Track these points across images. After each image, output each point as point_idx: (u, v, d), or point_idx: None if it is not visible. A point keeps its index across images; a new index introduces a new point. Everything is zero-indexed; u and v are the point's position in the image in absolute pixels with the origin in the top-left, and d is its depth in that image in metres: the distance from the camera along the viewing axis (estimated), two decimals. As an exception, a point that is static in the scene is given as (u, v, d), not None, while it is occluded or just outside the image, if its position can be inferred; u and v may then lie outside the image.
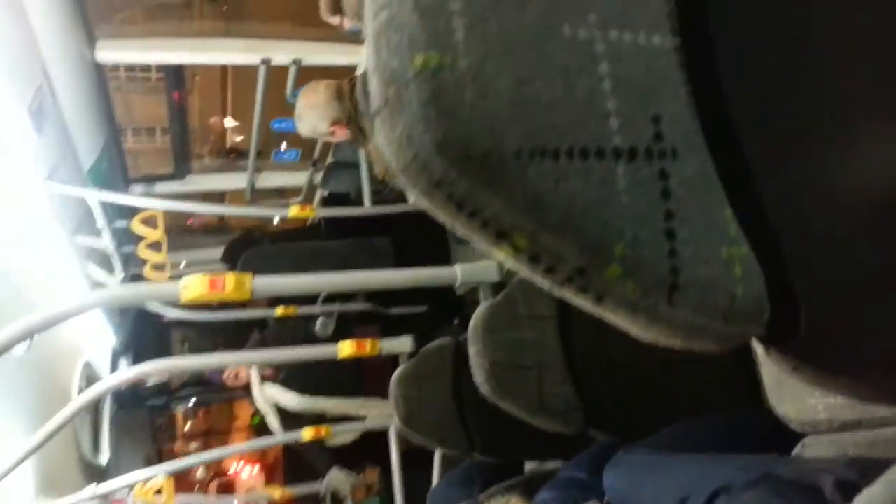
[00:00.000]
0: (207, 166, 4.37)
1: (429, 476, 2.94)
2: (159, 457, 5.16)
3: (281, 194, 4.55)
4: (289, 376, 3.35)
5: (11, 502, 2.52)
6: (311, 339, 3.41)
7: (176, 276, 4.40)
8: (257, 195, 4.19)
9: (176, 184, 3.99)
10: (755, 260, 0.45)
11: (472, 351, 1.49)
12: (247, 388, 3.59)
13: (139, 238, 3.29)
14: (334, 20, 2.29)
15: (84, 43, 2.86)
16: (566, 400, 1.48)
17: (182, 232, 4.74)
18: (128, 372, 1.91)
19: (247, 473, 6.92)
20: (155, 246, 3.18)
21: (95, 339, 4.11)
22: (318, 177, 4.19)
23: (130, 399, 5.14)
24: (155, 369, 1.95)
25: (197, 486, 5.93)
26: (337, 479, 3.49)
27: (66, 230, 3.10)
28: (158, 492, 2.91)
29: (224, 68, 3.68)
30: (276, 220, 4.57)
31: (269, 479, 5.90)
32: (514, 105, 0.40)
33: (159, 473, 2.62)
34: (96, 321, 4.04)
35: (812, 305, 0.47)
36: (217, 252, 3.93)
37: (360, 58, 3.15)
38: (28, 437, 2.02)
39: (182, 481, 5.19)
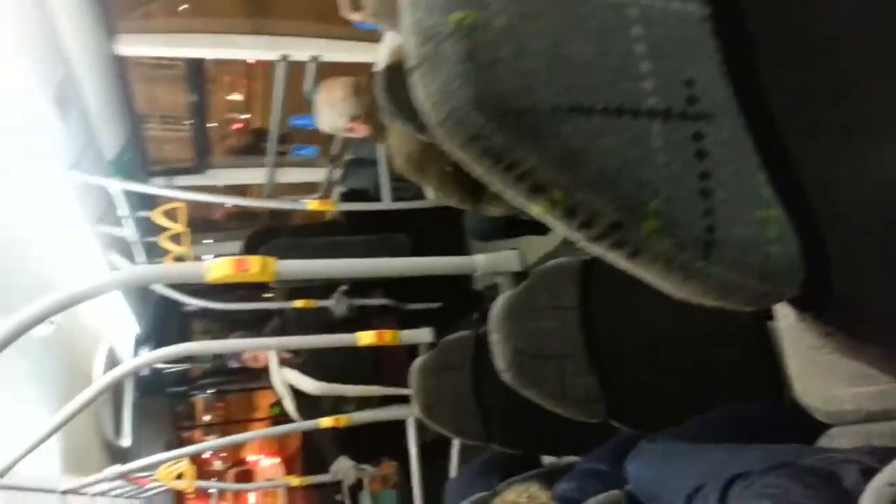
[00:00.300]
0: (227, 161, 4.40)
1: (445, 470, 2.95)
2: (179, 443, 5.22)
3: (299, 191, 4.58)
4: (307, 363, 3.35)
5: (39, 479, 2.56)
6: (330, 328, 3.42)
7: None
8: (276, 191, 4.23)
9: (196, 177, 4.03)
10: (789, 223, 0.46)
11: (495, 339, 1.49)
12: (266, 371, 3.61)
13: (161, 228, 3.33)
14: (355, 17, 2.29)
15: (105, 35, 2.89)
16: (588, 390, 1.48)
17: (203, 223, 4.78)
18: (150, 355, 1.93)
19: (267, 464, 7.01)
20: (176, 238, 3.22)
21: (119, 328, 4.16)
22: (337, 173, 4.21)
23: (152, 386, 5.21)
24: (176, 352, 1.98)
25: (215, 477, 6.00)
26: (344, 466, 3.51)
27: (89, 219, 3.14)
28: (179, 476, 2.95)
29: (248, 64, 3.71)
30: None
31: (289, 471, 5.95)
32: (550, 65, 0.40)
33: (182, 457, 2.65)
34: (119, 310, 4.09)
35: (845, 271, 0.47)
36: (237, 245, 3.97)
37: (378, 55, 3.16)
38: (52, 417, 2.05)
39: (200, 471, 5.24)
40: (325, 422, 2.78)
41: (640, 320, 1.54)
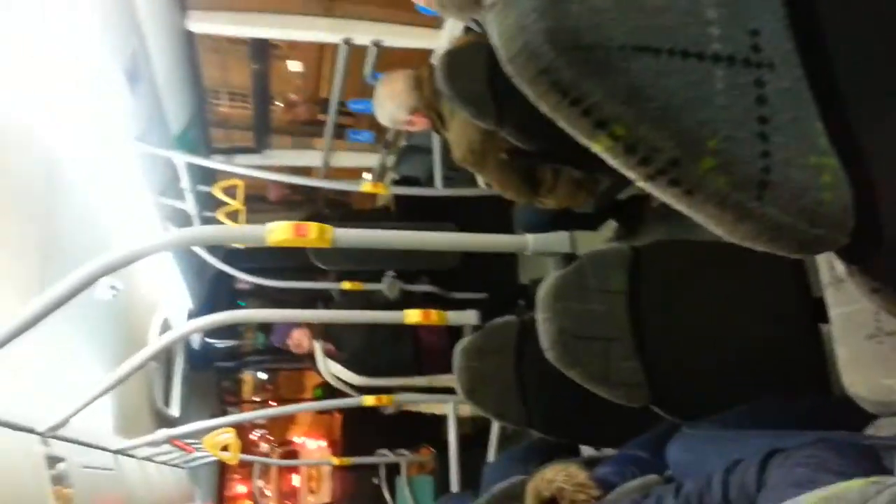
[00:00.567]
0: (285, 142, 4.50)
1: (482, 459, 2.98)
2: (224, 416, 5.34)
3: (353, 177, 4.66)
4: (350, 361, 3.44)
5: (95, 436, 2.68)
6: None
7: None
8: (331, 175, 4.31)
9: (255, 157, 4.14)
10: (843, 172, 0.47)
11: (541, 318, 1.51)
12: (310, 358, 3.69)
13: (219, 204, 3.44)
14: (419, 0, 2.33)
15: (177, 11, 2.98)
16: (632, 374, 1.49)
17: (258, 204, 4.89)
18: (201, 320, 2.00)
19: (313, 446, 7.13)
20: (233, 215, 3.32)
21: (174, 301, 4.30)
22: (391, 159, 4.26)
23: (202, 360, 5.37)
24: (226, 319, 2.04)
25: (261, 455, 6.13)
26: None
27: (151, 190, 3.26)
28: (225, 448, 3.05)
29: (319, 48, 3.78)
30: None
31: (334, 454, 6.05)
32: (621, 5, 0.43)
33: (228, 426, 2.73)
34: (176, 284, 4.23)
35: (898, 222, 0.48)
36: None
37: (439, 42, 3.20)
38: (107, 377, 2.15)
39: (246, 451, 5.38)
40: (369, 399, 2.83)
41: (689, 310, 1.54)
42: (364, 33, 3.22)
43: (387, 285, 3.38)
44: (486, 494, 1.79)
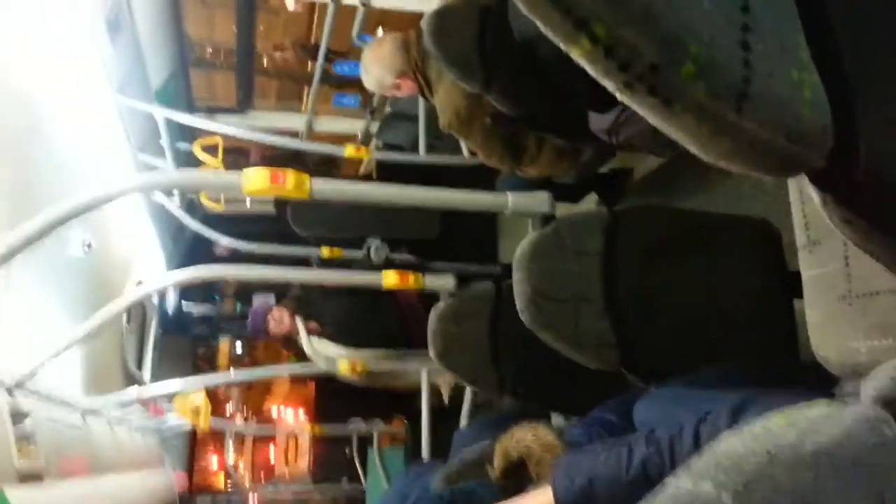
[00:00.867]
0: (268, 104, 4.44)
1: (454, 431, 3.00)
2: (199, 386, 5.30)
3: (335, 142, 4.61)
4: (334, 334, 3.42)
5: (63, 393, 2.64)
6: (351, 291, 3.47)
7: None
8: (315, 140, 4.25)
9: (236, 117, 4.07)
10: (823, 89, 0.46)
11: (516, 278, 1.51)
12: (287, 338, 3.64)
13: (197, 163, 3.39)
14: None
15: (162, -44, 2.92)
16: (602, 335, 1.49)
17: (237, 165, 4.83)
18: (176, 273, 1.97)
19: (290, 416, 7.11)
20: (212, 174, 3.27)
21: (148, 262, 4.25)
22: (375, 126, 4.23)
23: (176, 325, 5.33)
24: (201, 275, 2.02)
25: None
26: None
27: (131, 145, 3.20)
28: (195, 411, 3.03)
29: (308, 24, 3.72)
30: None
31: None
32: None
33: (198, 387, 2.71)
34: (151, 246, 4.17)
35: (874, 145, 0.47)
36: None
37: (428, 4, 3.15)
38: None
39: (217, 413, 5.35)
40: (343, 366, 2.83)
41: (664, 275, 1.55)
42: (354, -8, 3.17)
43: (373, 249, 3.35)
44: (454, 459, 1.79)
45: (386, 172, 3.85)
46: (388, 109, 4.04)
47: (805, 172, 0.49)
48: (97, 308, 3.09)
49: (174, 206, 3.64)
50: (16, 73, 2.26)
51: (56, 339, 2.11)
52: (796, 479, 0.46)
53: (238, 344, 6.67)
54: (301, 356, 3.60)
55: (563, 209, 2.56)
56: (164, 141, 3.24)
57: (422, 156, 3.37)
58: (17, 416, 2.07)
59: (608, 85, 0.45)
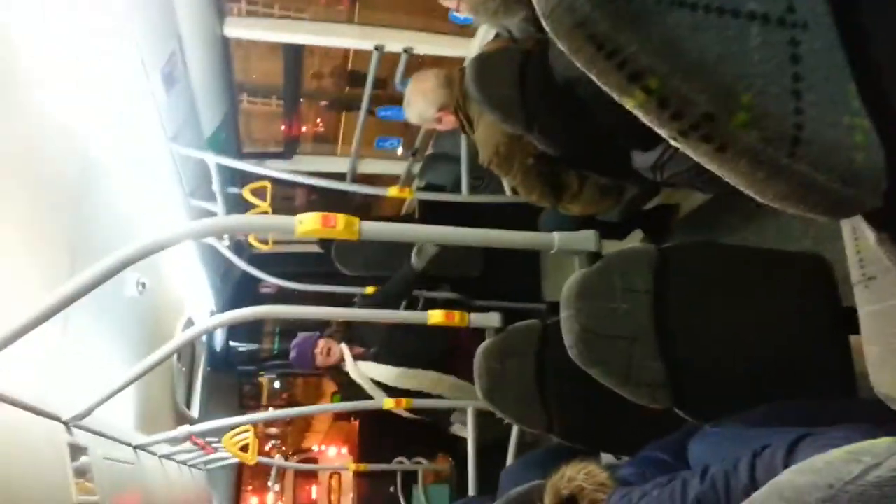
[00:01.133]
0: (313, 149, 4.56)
1: (501, 469, 2.96)
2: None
3: (379, 184, 4.70)
4: (379, 354, 3.41)
5: (117, 431, 2.71)
6: (396, 326, 3.46)
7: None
8: (357, 181, 4.35)
9: (283, 162, 4.20)
10: (875, 133, 0.47)
11: (564, 315, 1.51)
12: (332, 368, 3.63)
13: (248, 207, 3.48)
14: (450, 3, 2.36)
15: (215, 17, 3.05)
16: (655, 375, 1.48)
17: (286, 210, 4.95)
18: (224, 315, 2.02)
19: (333, 453, 7.06)
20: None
21: (198, 302, 4.36)
22: (417, 166, 4.30)
23: (223, 363, 5.43)
24: (251, 314, 2.06)
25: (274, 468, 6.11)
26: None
27: (184, 190, 3.32)
28: (244, 449, 3.07)
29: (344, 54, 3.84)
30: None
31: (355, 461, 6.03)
32: (657, -38, 0.43)
33: (247, 424, 2.75)
34: (200, 284, 4.29)
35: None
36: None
37: (469, 50, 3.23)
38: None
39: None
40: (388, 403, 2.84)
41: (715, 312, 1.53)
42: (395, 40, 3.27)
43: (416, 256, 3.32)
44: (502, 498, 1.78)
45: (428, 211, 3.90)
46: (429, 151, 4.11)
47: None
48: (151, 345, 3.19)
49: (223, 247, 3.74)
50: (75, 127, 2.38)
51: (111, 377, 2.17)
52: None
53: (276, 381, 6.73)
54: (345, 389, 3.60)
55: (609, 246, 2.56)
56: (216, 186, 3.34)
57: (464, 195, 3.40)
58: (76, 452, 2.13)
59: (662, 133, 0.46)
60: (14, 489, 1.67)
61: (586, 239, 1.68)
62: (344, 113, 4.44)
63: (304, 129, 4.58)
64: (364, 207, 5.24)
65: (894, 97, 0.50)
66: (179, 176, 3.25)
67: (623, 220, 2.79)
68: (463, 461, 3.07)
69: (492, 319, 2.22)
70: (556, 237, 1.68)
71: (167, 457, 3.52)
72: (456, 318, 2.18)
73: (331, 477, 7.27)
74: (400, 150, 4.30)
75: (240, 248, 4.30)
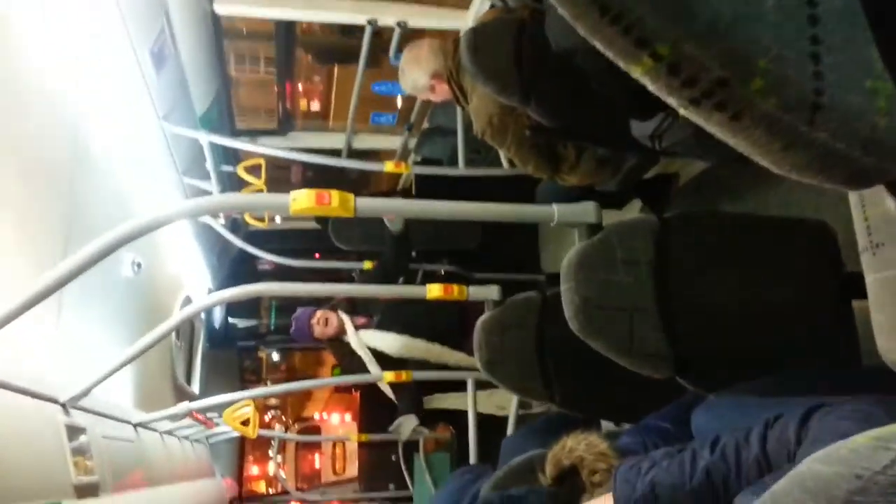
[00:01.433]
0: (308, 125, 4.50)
1: (501, 438, 2.97)
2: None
3: (374, 159, 4.66)
4: (382, 321, 3.39)
5: (116, 409, 2.71)
6: (396, 302, 3.43)
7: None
8: (353, 157, 4.31)
9: (278, 139, 4.15)
10: (900, 98, 0.45)
11: (564, 287, 1.50)
12: (333, 340, 3.60)
13: (242, 185, 3.45)
14: None
15: (203, -8, 2.99)
16: (656, 345, 1.47)
17: (280, 186, 4.91)
18: (222, 293, 2.00)
19: (337, 420, 7.07)
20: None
21: (196, 281, 4.34)
22: (412, 141, 4.26)
23: (222, 339, 5.43)
24: (249, 292, 2.04)
25: (274, 438, 6.16)
26: (406, 424, 3.50)
27: (177, 169, 3.28)
28: (245, 423, 3.07)
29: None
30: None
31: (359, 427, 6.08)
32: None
33: (247, 399, 2.75)
34: (197, 263, 4.26)
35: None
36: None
37: (464, 22, 3.17)
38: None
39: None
40: (388, 376, 2.83)
41: (717, 282, 1.52)
42: (389, 14, 3.20)
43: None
44: (503, 468, 1.78)
45: (424, 187, 3.87)
46: (425, 125, 4.07)
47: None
48: (148, 324, 3.17)
49: (219, 225, 3.71)
50: (65, 105, 2.34)
51: (109, 356, 2.16)
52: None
53: (274, 353, 6.74)
54: (346, 363, 3.59)
55: (608, 217, 2.54)
56: (209, 164, 3.30)
57: (461, 169, 3.37)
58: (73, 433, 2.13)
59: (671, 101, 0.44)
60: (12, 472, 1.67)
61: (586, 211, 1.66)
62: (336, 68, 4.33)
63: (299, 101, 4.52)
64: (360, 183, 5.20)
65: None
66: (172, 155, 3.20)
67: (621, 190, 2.76)
68: (463, 430, 3.09)
69: (491, 292, 2.21)
70: (556, 209, 1.66)
71: (168, 433, 3.53)
72: (454, 291, 2.16)
73: (335, 446, 7.30)
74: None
75: (236, 225, 4.27)
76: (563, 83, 2.03)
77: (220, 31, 3.28)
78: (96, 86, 2.47)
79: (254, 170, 3.42)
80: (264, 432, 3.72)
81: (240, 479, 6.16)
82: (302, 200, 1.37)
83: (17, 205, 2.07)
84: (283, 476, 5.96)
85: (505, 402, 3.04)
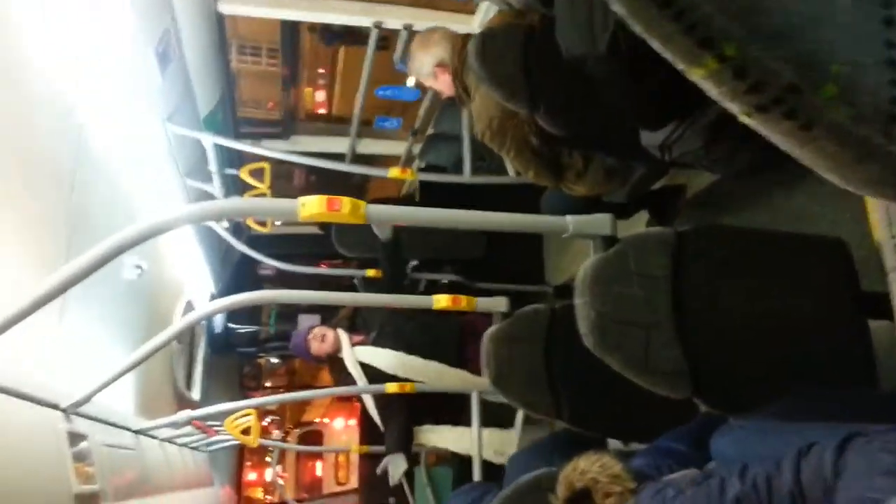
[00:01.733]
0: (311, 129, 4.48)
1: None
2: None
3: (378, 165, 4.63)
4: (377, 337, 3.34)
5: (117, 416, 2.67)
6: (401, 312, 3.37)
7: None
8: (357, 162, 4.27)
9: (281, 143, 4.13)
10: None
11: (579, 302, 1.46)
12: (331, 358, 3.53)
13: (244, 188, 3.42)
14: None
15: (209, -8, 2.97)
16: (673, 363, 1.43)
17: (282, 191, 4.89)
18: (223, 300, 1.96)
19: (340, 425, 6.95)
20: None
21: (198, 285, 4.30)
22: (417, 147, 4.23)
23: (223, 345, 5.39)
24: (250, 299, 2.00)
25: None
26: (395, 463, 3.39)
27: (179, 171, 3.24)
28: (245, 431, 3.03)
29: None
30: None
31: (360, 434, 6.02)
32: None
33: (250, 408, 2.71)
34: (200, 267, 4.22)
35: None
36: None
37: (470, 27, 3.15)
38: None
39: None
40: (392, 387, 2.79)
41: (734, 298, 1.48)
42: (395, 17, 3.18)
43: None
44: (510, 487, 1.74)
45: (429, 193, 3.84)
46: (430, 130, 4.04)
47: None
48: (150, 328, 3.14)
49: (221, 228, 3.68)
50: (70, 105, 2.31)
51: (110, 361, 2.12)
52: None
53: (273, 359, 6.69)
54: (342, 378, 3.53)
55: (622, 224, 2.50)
56: (213, 167, 3.27)
57: (466, 176, 3.34)
58: (75, 440, 2.09)
59: (734, 108, 0.41)
60: (12, 479, 1.63)
61: (602, 223, 1.62)
62: (343, 51, 4.28)
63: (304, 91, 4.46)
64: (361, 188, 5.18)
65: None
66: (175, 157, 3.16)
67: (630, 201, 2.73)
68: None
69: (499, 304, 2.17)
70: (571, 221, 1.62)
71: (168, 440, 3.49)
72: (463, 302, 2.13)
73: (337, 455, 7.19)
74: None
75: (238, 229, 4.24)
76: (572, 91, 2.00)
77: (224, 34, 3.27)
78: (100, 85, 2.44)
79: (258, 174, 3.39)
80: (265, 442, 3.67)
81: (238, 488, 6.11)
82: (311, 206, 1.34)
83: (19, 205, 2.03)
84: (282, 483, 5.90)
85: (505, 446, 2.96)
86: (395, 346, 3.20)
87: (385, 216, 1.44)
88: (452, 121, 3.69)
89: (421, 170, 4.11)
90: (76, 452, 2.07)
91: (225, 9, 3.12)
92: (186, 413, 2.69)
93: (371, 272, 3.71)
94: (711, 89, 0.40)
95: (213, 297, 4.50)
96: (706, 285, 1.47)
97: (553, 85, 2.08)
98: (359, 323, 3.46)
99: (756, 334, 1.45)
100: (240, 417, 2.94)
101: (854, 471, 0.72)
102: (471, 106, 2.46)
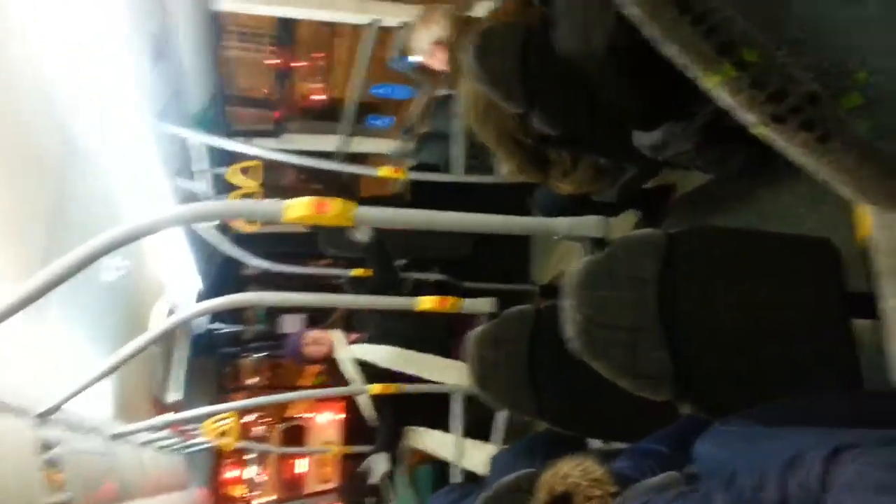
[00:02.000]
0: (303, 127, 4.44)
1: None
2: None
3: (370, 163, 4.59)
4: (374, 336, 3.33)
5: (94, 422, 2.61)
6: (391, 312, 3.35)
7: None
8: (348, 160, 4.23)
9: (272, 141, 4.09)
10: None
11: (567, 304, 1.44)
12: (330, 362, 3.52)
13: (233, 189, 3.36)
14: None
15: (204, -11, 2.92)
16: (660, 366, 1.42)
17: (272, 189, 4.83)
18: (205, 303, 1.93)
19: (324, 419, 6.88)
20: (248, 198, 3.23)
21: (181, 286, 4.22)
22: (409, 146, 4.21)
23: (204, 346, 5.32)
24: (233, 302, 1.97)
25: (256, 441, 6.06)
26: (378, 463, 3.38)
27: (168, 170, 3.18)
28: (223, 434, 3.00)
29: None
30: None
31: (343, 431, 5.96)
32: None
33: (229, 412, 2.68)
34: (185, 268, 4.16)
35: None
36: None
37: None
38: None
39: (242, 433, 5.32)
40: (375, 388, 2.77)
41: (722, 301, 1.47)
42: (393, 15, 3.16)
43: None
44: (492, 487, 1.73)
45: (419, 192, 3.81)
46: (423, 129, 4.03)
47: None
48: (130, 332, 3.07)
49: (206, 230, 3.63)
50: (56, 99, 2.26)
51: (86, 366, 2.06)
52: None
53: (260, 356, 6.63)
54: (329, 373, 3.50)
55: (616, 223, 2.49)
56: (202, 165, 3.23)
57: (458, 175, 3.32)
58: (45, 448, 2.02)
59: (749, 118, 0.39)
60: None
61: (593, 224, 1.61)
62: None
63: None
64: (350, 186, 5.14)
65: None
66: (164, 155, 3.11)
67: (619, 199, 2.72)
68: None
69: (485, 305, 2.15)
70: (564, 223, 1.61)
71: (146, 443, 3.43)
72: (448, 303, 2.10)
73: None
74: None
75: (224, 227, 4.18)
76: (568, 91, 2.00)
77: (219, 32, 3.22)
78: (88, 79, 2.39)
79: (250, 170, 3.34)
80: (241, 445, 3.61)
81: (215, 489, 6.04)
82: (298, 209, 1.31)
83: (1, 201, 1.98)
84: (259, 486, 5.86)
85: None
86: (391, 342, 3.19)
87: (374, 219, 1.42)
88: (445, 120, 3.68)
89: (412, 168, 4.08)
90: (47, 460, 2.01)
91: (221, 5, 3.08)
92: (166, 417, 2.64)
93: (357, 271, 3.68)
94: (726, 97, 0.38)
95: (198, 297, 4.44)
96: (694, 288, 1.46)
97: (549, 85, 2.08)
98: (354, 323, 3.45)
99: (745, 334, 1.45)
100: (219, 420, 2.90)
101: (846, 485, 0.71)
102: (459, 87, 2.45)
